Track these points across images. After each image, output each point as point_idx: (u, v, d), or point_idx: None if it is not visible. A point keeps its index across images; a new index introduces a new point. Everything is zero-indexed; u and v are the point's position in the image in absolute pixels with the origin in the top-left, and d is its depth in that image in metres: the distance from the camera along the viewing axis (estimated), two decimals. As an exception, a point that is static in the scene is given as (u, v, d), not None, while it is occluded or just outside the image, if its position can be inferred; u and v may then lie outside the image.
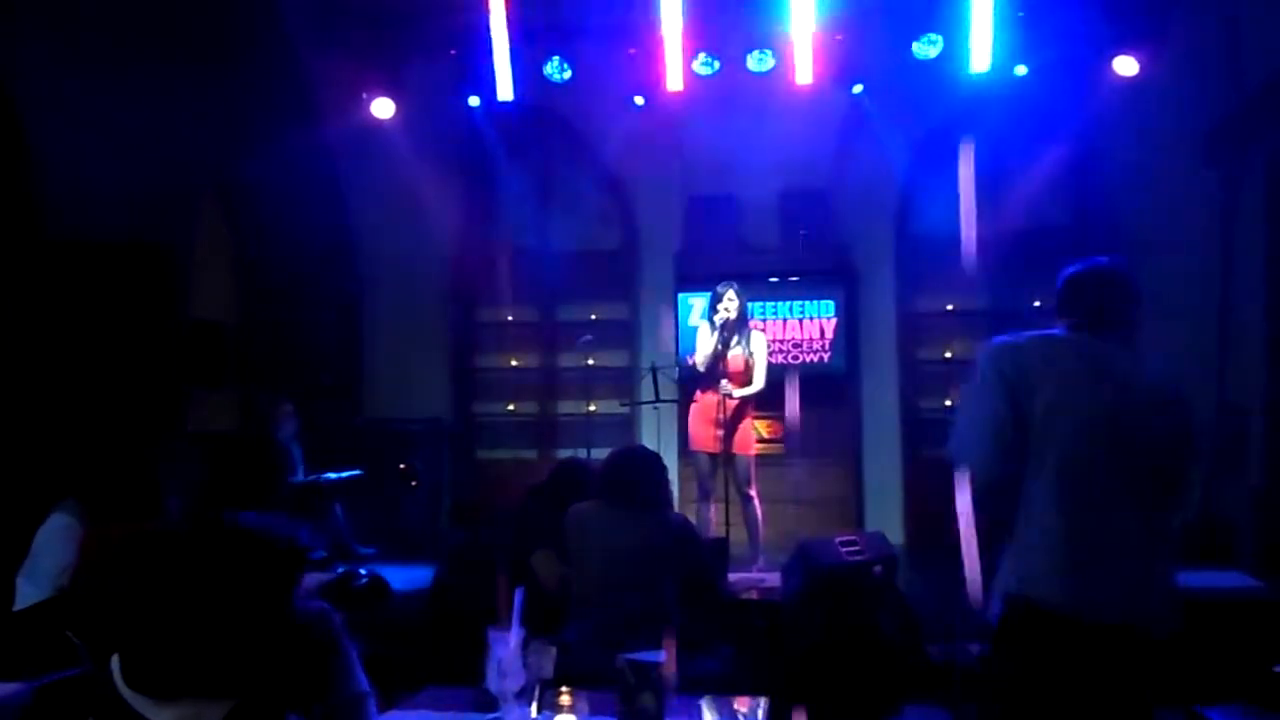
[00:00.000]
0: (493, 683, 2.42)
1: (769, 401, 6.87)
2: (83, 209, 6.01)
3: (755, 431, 6.46)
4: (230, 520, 1.83)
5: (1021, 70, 7.07)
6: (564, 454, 7.61)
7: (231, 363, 7.64)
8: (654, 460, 4.21)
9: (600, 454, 6.72)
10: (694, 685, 2.81)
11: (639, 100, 7.53)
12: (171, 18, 6.26)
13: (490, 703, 2.44)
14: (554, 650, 2.50)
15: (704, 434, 6.21)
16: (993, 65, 6.73)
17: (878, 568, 4.80)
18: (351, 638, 2.26)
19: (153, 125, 6.30)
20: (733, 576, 5.48)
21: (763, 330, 7.03)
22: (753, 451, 6.32)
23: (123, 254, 6.19)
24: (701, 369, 6.24)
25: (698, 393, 6.36)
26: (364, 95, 7.52)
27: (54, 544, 3.46)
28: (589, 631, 3.59)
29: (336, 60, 7.36)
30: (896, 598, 4.89)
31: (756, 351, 6.24)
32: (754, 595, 5.56)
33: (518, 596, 2.47)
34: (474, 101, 7.71)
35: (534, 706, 2.44)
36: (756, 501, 6.23)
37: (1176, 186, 7.19)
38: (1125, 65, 6.85)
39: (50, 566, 3.44)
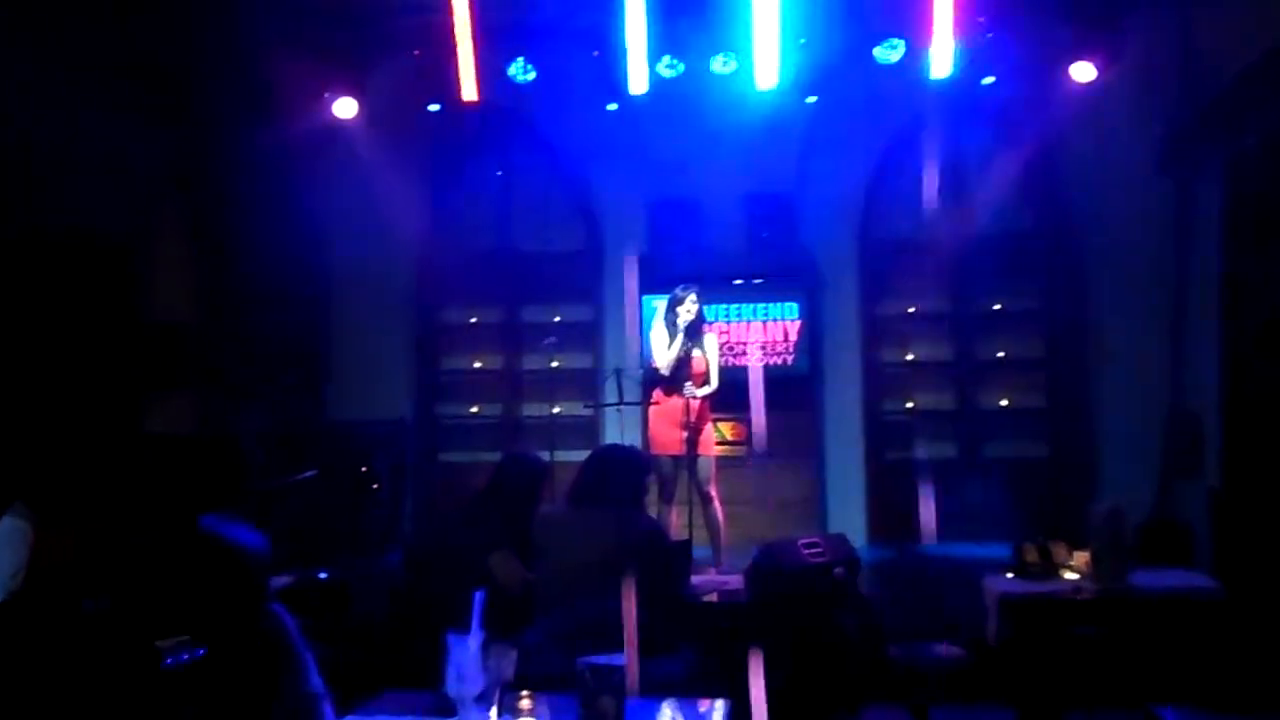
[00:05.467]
0: (452, 687, 2.40)
1: (733, 403, 6.87)
2: (39, 207, 5.90)
3: (718, 433, 6.52)
4: (204, 528, 1.80)
5: (990, 80, 7.13)
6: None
7: (191, 364, 7.54)
8: (632, 459, 4.21)
9: (563, 456, 6.76)
10: (655, 688, 2.81)
11: (612, 106, 7.48)
12: (132, 13, 6.18)
13: (449, 707, 2.42)
14: (514, 653, 2.48)
15: (668, 436, 6.26)
16: (954, 71, 6.77)
17: (840, 569, 4.83)
18: (310, 642, 2.23)
19: (111, 122, 6.21)
20: (695, 579, 5.49)
21: (714, 331, 6.98)
22: (714, 452, 6.39)
23: (78, 252, 6.09)
24: (665, 373, 6.30)
25: (658, 395, 6.39)
26: (326, 95, 7.45)
27: (5, 547, 3.40)
28: (549, 634, 3.57)
29: (299, 59, 7.28)
30: (859, 599, 4.92)
31: (710, 352, 6.39)
32: (715, 598, 5.57)
33: (478, 599, 2.46)
34: (433, 107, 7.65)
35: (494, 710, 2.43)
36: (717, 503, 6.28)
37: (1134, 191, 7.29)
38: (1083, 71, 6.93)
39: (1, 570, 3.38)
